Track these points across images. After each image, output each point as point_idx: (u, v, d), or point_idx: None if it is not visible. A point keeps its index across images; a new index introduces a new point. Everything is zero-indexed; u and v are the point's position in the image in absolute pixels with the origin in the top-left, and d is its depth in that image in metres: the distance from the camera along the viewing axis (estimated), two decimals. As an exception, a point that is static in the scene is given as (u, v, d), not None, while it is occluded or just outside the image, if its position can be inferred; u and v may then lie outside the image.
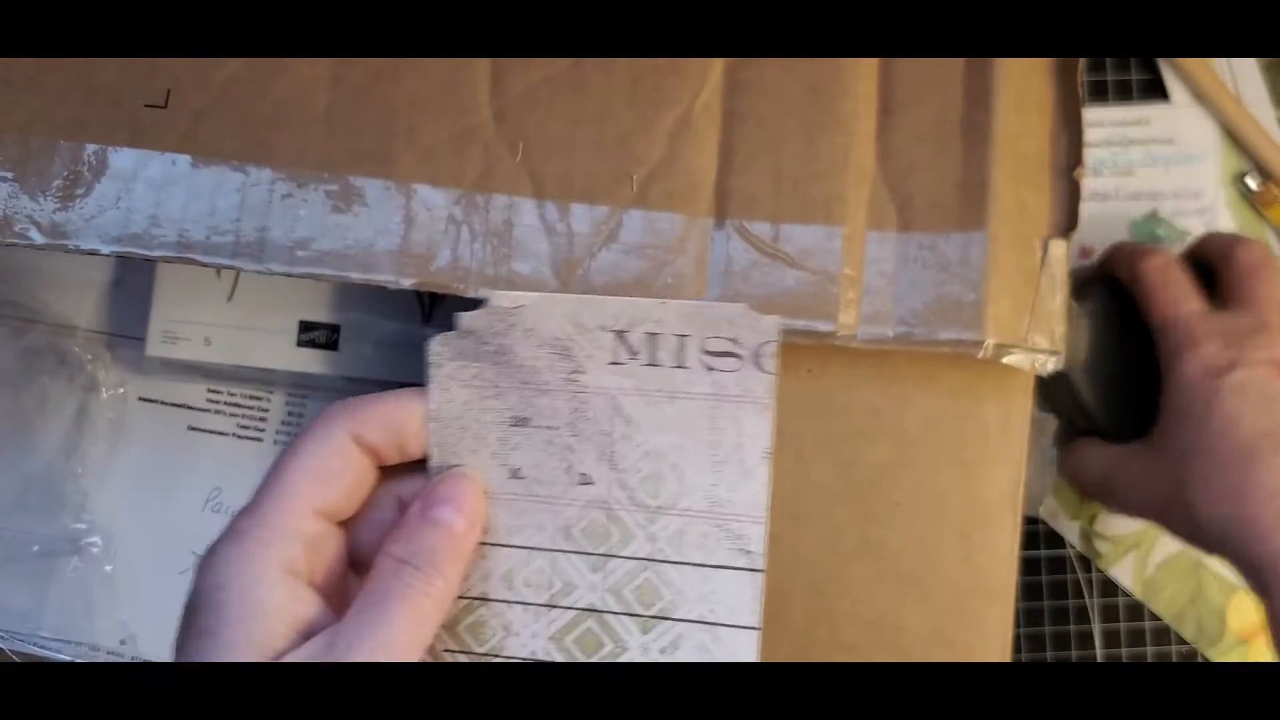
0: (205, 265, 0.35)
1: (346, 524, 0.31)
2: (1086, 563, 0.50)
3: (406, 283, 0.35)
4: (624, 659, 0.29)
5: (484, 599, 0.29)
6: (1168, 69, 0.51)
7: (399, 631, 0.27)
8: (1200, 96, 0.50)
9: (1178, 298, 0.41)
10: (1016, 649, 0.49)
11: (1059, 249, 0.36)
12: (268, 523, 0.28)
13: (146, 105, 0.36)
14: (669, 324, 0.29)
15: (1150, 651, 0.49)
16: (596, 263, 0.35)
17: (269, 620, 0.27)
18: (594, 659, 0.29)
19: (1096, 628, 0.49)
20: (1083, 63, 0.37)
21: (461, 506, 0.29)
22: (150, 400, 0.48)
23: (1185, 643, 0.49)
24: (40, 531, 0.47)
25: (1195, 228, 0.50)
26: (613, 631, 0.29)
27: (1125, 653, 0.49)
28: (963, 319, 0.35)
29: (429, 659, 0.30)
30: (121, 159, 0.35)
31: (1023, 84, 0.37)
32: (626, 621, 0.29)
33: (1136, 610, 0.49)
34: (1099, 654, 0.49)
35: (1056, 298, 0.36)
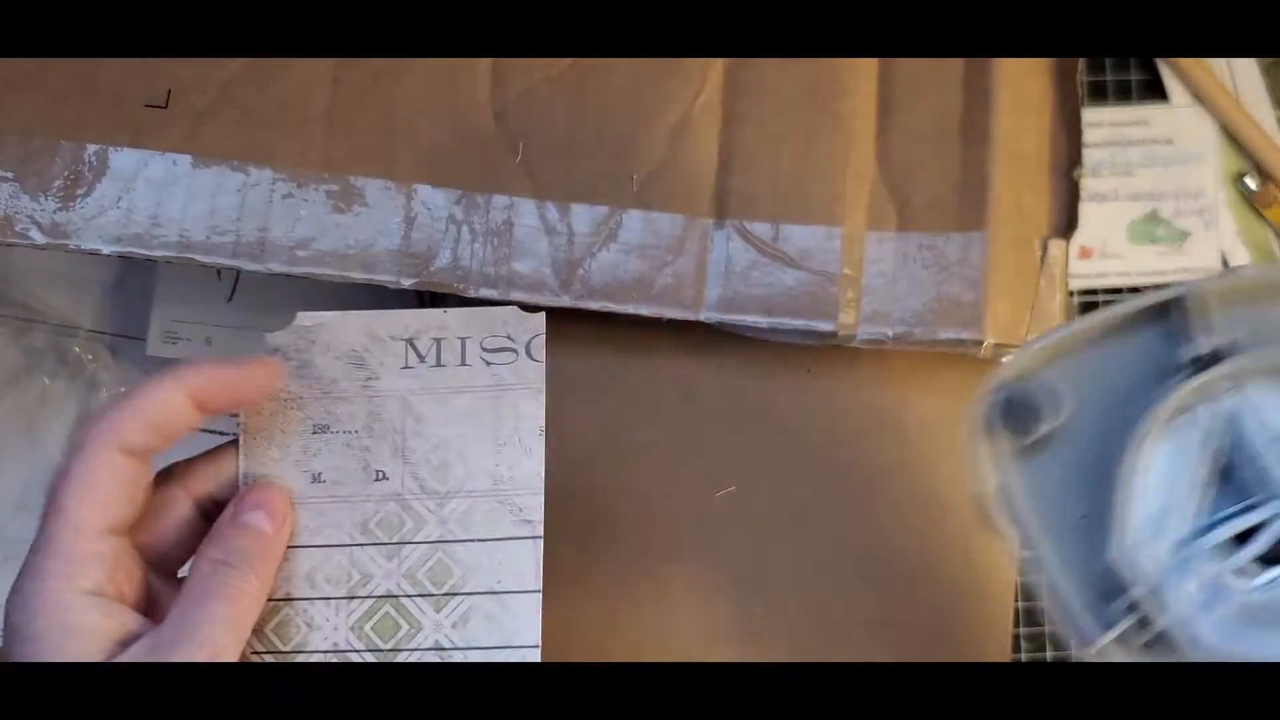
0: (206, 265, 0.35)
1: (135, 528, 0.31)
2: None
3: (407, 282, 0.35)
4: (418, 639, 0.31)
5: (288, 599, 0.31)
6: (1166, 69, 0.51)
7: (220, 630, 0.28)
8: (1199, 97, 0.50)
9: None
10: (1016, 648, 0.49)
11: (1058, 249, 0.36)
12: (59, 554, 0.29)
13: (147, 105, 0.36)
14: (452, 329, 0.32)
15: (1150, 651, 0.49)
16: (597, 262, 0.36)
17: (87, 641, 0.28)
18: (390, 643, 0.31)
19: (1096, 627, 0.49)
20: (1082, 63, 0.37)
21: (271, 510, 0.30)
22: (151, 400, 0.48)
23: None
24: (41, 531, 0.47)
25: (1195, 228, 0.50)
26: (408, 614, 0.31)
27: (1125, 652, 0.49)
28: (962, 319, 0.35)
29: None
30: (122, 159, 0.35)
31: (1022, 84, 0.37)
32: (420, 602, 0.31)
33: (1136, 610, 0.49)
34: (1099, 654, 0.49)
35: (1056, 297, 0.36)
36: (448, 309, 0.32)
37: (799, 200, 0.36)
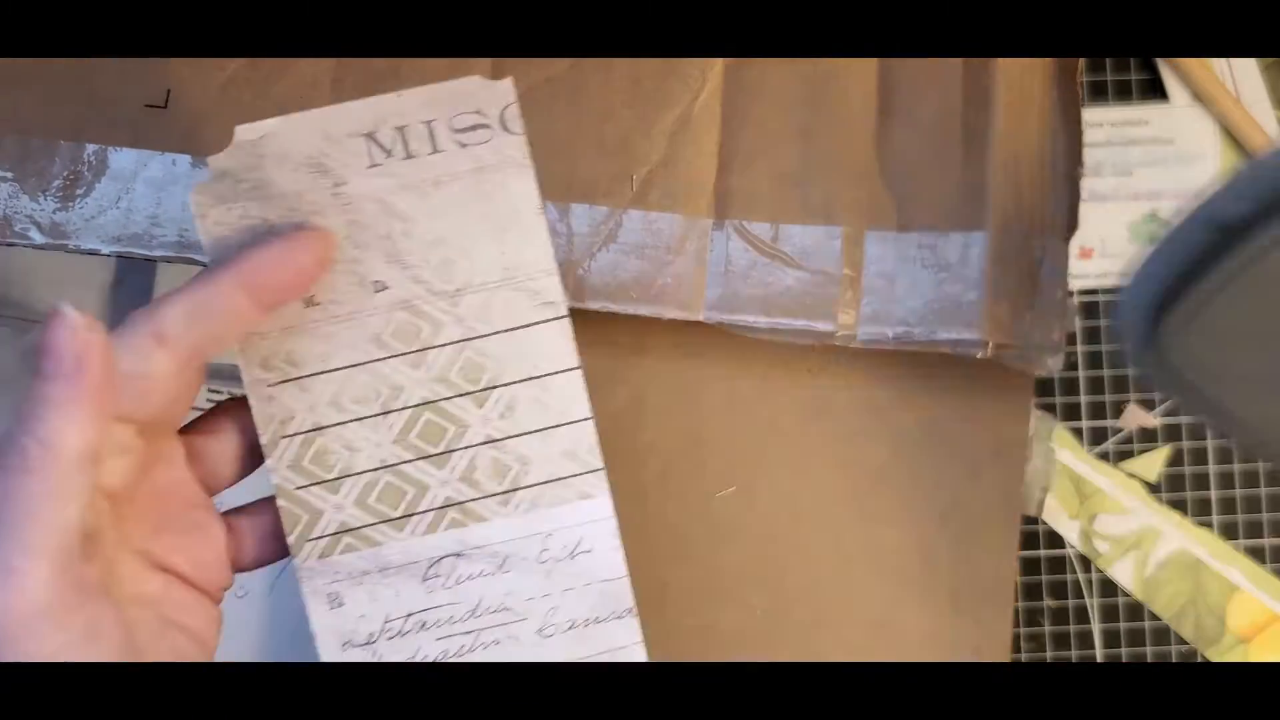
0: (206, 265, 0.35)
1: (196, 452, 0.30)
2: (1086, 562, 0.50)
3: (407, 283, 0.35)
4: (467, 437, 0.31)
5: (318, 429, 0.30)
6: (1167, 69, 0.51)
7: (26, 529, 0.24)
8: (1200, 97, 0.50)
9: None
10: (1016, 648, 0.49)
11: (1058, 249, 0.36)
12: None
13: (147, 105, 0.36)
14: (413, 113, 0.29)
15: (1150, 651, 0.49)
16: (596, 263, 0.36)
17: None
18: (440, 446, 0.31)
19: (1096, 627, 0.49)
20: (1082, 63, 0.37)
21: (58, 342, 0.25)
22: (150, 400, 0.48)
23: (1185, 642, 0.49)
24: (41, 531, 0.47)
25: (1195, 228, 0.50)
26: (450, 415, 0.31)
27: (1125, 652, 0.49)
28: (962, 319, 0.35)
29: (286, 502, 0.30)
30: (122, 159, 0.35)
31: (1022, 85, 0.37)
32: (460, 402, 0.31)
33: (1136, 610, 0.49)
34: (1099, 654, 0.49)
35: (1056, 298, 0.36)
36: (402, 92, 0.29)
37: (799, 200, 0.36)
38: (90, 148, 0.35)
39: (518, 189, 0.30)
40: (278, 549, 0.31)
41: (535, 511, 0.31)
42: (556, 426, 0.31)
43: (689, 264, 0.36)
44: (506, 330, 0.30)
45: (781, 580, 0.37)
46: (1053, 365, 0.36)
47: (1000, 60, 0.37)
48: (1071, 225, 0.36)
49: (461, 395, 0.30)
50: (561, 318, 0.30)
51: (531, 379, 0.31)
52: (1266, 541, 0.49)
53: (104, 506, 0.28)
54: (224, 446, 0.31)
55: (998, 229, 0.36)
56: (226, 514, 0.31)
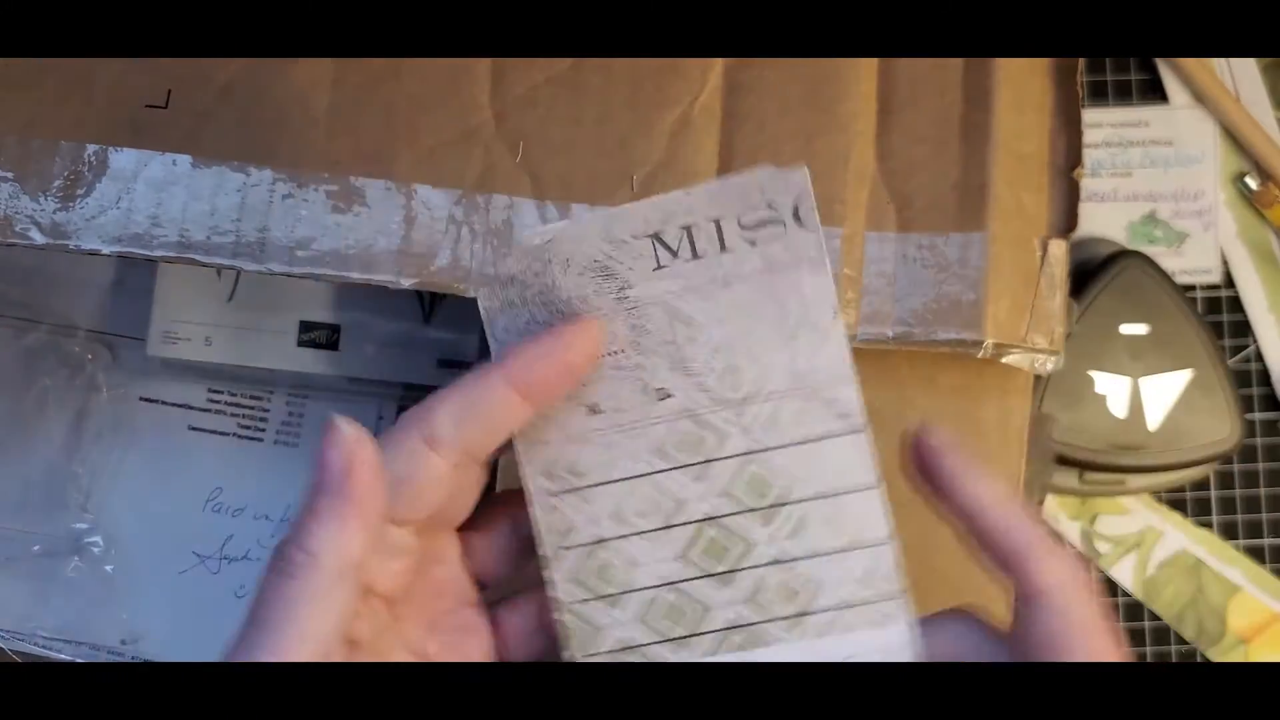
0: (206, 265, 0.35)
1: (469, 548, 0.30)
2: (1085, 562, 0.50)
3: (407, 283, 0.35)
4: (754, 556, 0.29)
5: (599, 541, 0.29)
6: (1167, 70, 0.51)
7: (285, 632, 0.25)
8: (1200, 97, 0.50)
9: None
10: (1016, 649, 0.49)
11: (1058, 249, 0.36)
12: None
13: (147, 106, 0.36)
14: (700, 211, 0.27)
15: (1150, 651, 0.49)
16: (596, 263, 0.35)
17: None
18: (724, 566, 0.29)
19: (1096, 628, 0.49)
20: (1082, 63, 0.37)
21: (328, 457, 0.26)
22: (151, 400, 0.48)
23: (1185, 642, 0.49)
24: (41, 531, 0.47)
25: (1193, 229, 0.50)
26: (734, 533, 0.29)
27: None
28: (962, 319, 0.35)
29: (566, 616, 0.29)
30: (122, 159, 0.35)
31: (1022, 85, 0.37)
32: (746, 519, 0.29)
33: (1136, 610, 0.49)
34: (1098, 654, 0.49)
35: (1056, 298, 0.36)
36: (690, 189, 0.27)
37: (799, 200, 0.36)
38: (91, 148, 0.35)
39: (812, 288, 0.28)
40: (543, 646, 0.30)
41: (825, 638, 0.29)
42: (851, 549, 0.29)
43: (689, 264, 0.36)
44: (796, 443, 0.28)
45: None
46: (1052, 365, 0.36)
47: (1000, 60, 0.37)
48: (1071, 225, 0.36)
49: (746, 511, 0.29)
50: (858, 431, 0.28)
51: (823, 497, 0.29)
52: (1266, 542, 0.49)
53: (379, 609, 0.28)
54: (498, 543, 0.30)
55: (998, 229, 0.36)
56: (494, 606, 0.30)
